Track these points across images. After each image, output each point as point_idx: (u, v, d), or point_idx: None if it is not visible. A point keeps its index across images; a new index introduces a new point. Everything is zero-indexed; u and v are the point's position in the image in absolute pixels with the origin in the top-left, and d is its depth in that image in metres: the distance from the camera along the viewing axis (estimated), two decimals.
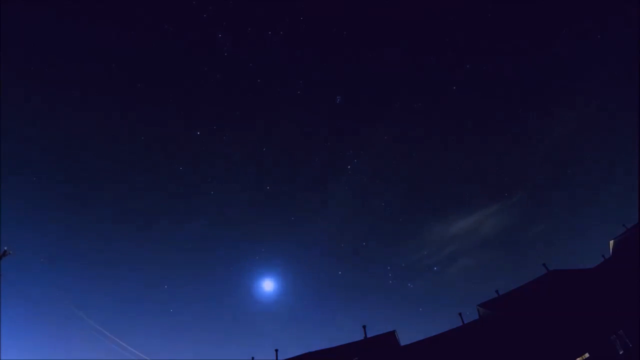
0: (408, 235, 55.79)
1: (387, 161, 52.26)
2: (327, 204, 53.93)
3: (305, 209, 54.95)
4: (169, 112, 49.96)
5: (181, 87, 49.34)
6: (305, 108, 50.74)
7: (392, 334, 24.15)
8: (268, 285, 51.27)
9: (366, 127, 52.54)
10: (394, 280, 52.70)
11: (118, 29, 44.56)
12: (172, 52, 46.99)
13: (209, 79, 48.31)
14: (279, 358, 24.21)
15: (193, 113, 50.02)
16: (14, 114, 43.58)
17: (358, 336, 24.75)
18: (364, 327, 24.60)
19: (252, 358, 24.15)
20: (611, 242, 25.13)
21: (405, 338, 24.94)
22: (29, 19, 41.76)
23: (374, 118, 51.90)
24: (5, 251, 16.19)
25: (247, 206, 54.30)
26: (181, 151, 51.66)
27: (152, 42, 46.26)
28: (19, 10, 40.41)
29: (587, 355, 20.31)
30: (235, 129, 50.59)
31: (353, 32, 46.12)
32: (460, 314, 24.50)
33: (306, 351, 24.44)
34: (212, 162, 51.71)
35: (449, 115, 51.13)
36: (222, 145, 50.11)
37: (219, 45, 45.71)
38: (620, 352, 19.96)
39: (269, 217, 54.52)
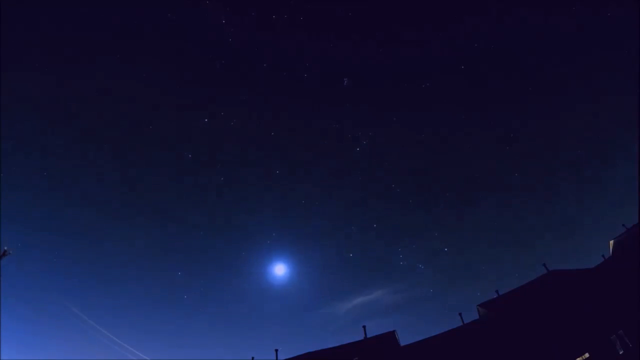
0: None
1: None
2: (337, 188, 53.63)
3: (315, 194, 54.79)
4: (176, 100, 50.10)
5: (187, 74, 49.50)
6: (313, 91, 50.84)
7: (392, 334, 24.16)
8: (279, 270, 51.49)
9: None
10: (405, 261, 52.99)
11: (120, 18, 44.52)
12: (176, 40, 47.08)
13: (214, 65, 48.45)
14: (279, 358, 24.22)
15: (199, 100, 50.21)
16: (13, 110, 43.51)
17: (358, 336, 24.78)
18: (364, 327, 24.62)
19: (252, 358, 24.18)
20: (611, 242, 25.13)
21: (405, 338, 24.99)
22: (28, 13, 41.83)
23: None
24: (5, 251, 16.21)
25: (256, 191, 54.32)
26: (189, 138, 51.68)
27: (155, 31, 46.25)
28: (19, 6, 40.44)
29: (587, 355, 20.32)
30: (242, 114, 50.69)
31: (358, 13, 45.91)
32: (460, 314, 24.51)
33: (306, 351, 24.47)
34: (220, 148, 51.72)
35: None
36: (230, 131, 50.06)
37: (222, 31, 45.81)
38: (620, 352, 19.97)
39: (278, 201, 54.50)
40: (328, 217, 54.15)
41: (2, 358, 40.85)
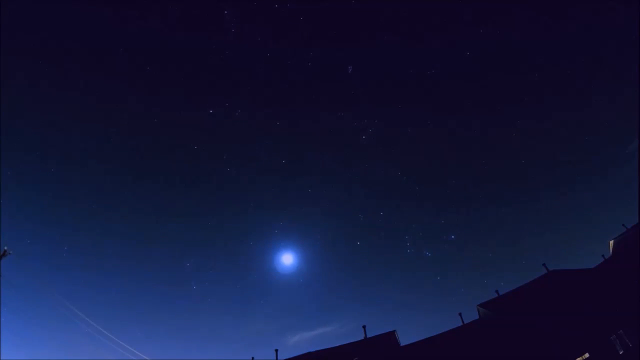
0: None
1: None
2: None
3: (321, 183, 54.84)
4: (180, 92, 50.19)
5: (190, 66, 49.63)
6: (316, 79, 51.04)
7: (392, 334, 24.17)
8: (287, 259, 51.75)
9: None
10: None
11: (122, 12, 44.53)
12: (179, 32, 47.11)
13: (218, 56, 48.62)
14: (279, 358, 24.22)
15: (204, 92, 50.40)
16: (14, 108, 43.52)
17: (358, 336, 24.78)
18: (364, 327, 24.61)
19: (252, 358, 24.20)
20: (611, 242, 25.14)
21: (405, 338, 24.98)
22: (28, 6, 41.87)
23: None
24: (5, 251, 16.22)
25: (263, 181, 54.45)
26: (194, 130, 51.93)
27: (158, 22, 46.34)
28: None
29: (587, 355, 20.32)
30: (247, 104, 50.83)
31: (362, 4, 45.48)
32: (460, 314, 24.50)
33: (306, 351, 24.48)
34: (226, 139, 51.88)
35: None
36: (235, 121, 50.22)
37: (225, 22, 45.94)
38: (620, 352, 19.97)
39: (286, 190, 54.62)
40: (334, 205, 54.39)
41: (2, 358, 40.87)
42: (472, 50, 48.15)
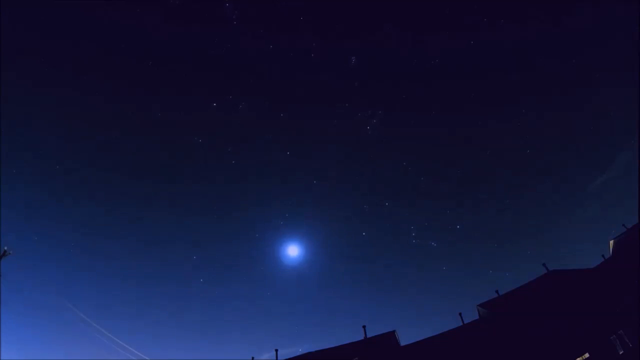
0: None
1: None
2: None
3: (326, 174, 54.91)
4: (183, 86, 50.32)
5: (192, 60, 49.69)
6: (320, 70, 51.02)
7: (392, 334, 24.16)
8: (292, 251, 52.10)
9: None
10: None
11: (122, 11, 44.65)
12: (180, 25, 47.14)
13: (220, 49, 48.68)
14: (279, 358, 24.23)
15: (207, 85, 50.58)
16: (14, 108, 43.58)
17: (358, 336, 24.78)
18: (364, 327, 24.61)
19: (252, 358, 24.22)
20: (611, 242, 25.12)
21: (405, 338, 24.98)
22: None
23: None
24: (5, 251, 16.21)
25: (266, 175, 54.74)
26: (198, 123, 52.03)
27: (159, 16, 46.30)
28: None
29: (587, 355, 20.32)
30: (250, 97, 50.87)
31: None
32: (460, 314, 24.48)
33: (306, 351, 24.48)
34: (230, 132, 52.04)
35: None
36: (239, 114, 50.34)
37: (227, 14, 45.97)
38: (620, 352, 19.97)
39: (289, 182, 54.64)
40: (339, 196, 54.60)
41: (2, 358, 40.92)
42: (472, 49, 48.25)
